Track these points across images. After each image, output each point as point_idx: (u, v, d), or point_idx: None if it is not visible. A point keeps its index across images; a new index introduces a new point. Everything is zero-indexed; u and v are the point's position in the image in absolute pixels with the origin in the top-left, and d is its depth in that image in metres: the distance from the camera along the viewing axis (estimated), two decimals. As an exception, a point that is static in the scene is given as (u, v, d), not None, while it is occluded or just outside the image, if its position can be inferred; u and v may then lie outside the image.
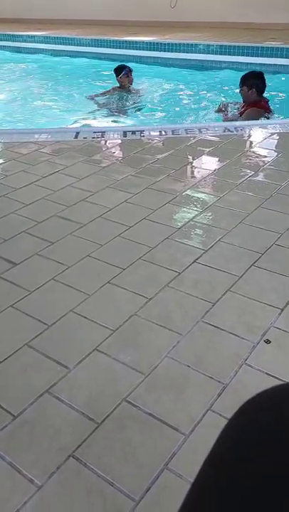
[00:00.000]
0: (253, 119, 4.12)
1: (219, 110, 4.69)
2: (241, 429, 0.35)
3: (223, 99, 5.10)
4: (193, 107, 5.30)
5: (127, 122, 4.74)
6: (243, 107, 4.41)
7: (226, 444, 0.35)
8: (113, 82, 5.57)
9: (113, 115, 4.94)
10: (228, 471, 0.33)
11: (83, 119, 4.86)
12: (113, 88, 5.41)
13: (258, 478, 0.31)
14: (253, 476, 0.31)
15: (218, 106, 4.79)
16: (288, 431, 0.32)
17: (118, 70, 5.28)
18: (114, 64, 5.62)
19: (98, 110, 5.09)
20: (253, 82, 4.34)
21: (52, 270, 2.01)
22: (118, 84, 5.37)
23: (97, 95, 5.43)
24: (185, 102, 5.52)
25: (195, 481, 0.36)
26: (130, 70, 5.27)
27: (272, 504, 0.30)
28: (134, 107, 5.16)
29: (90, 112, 5.09)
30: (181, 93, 5.83)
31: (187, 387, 1.43)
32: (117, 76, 5.29)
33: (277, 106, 4.77)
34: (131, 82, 5.33)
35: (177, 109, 5.27)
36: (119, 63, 5.53)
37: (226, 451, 0.35)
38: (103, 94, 5.40)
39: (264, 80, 4.38)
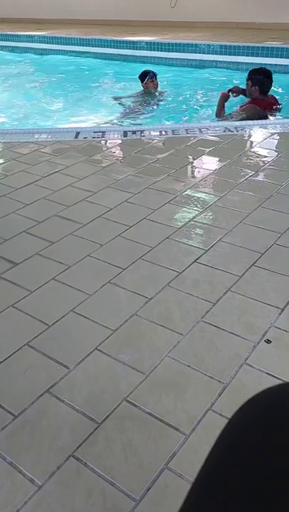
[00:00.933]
0: (248, 117, 4.08)
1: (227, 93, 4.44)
2: (242, 428, 0.35)
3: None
4: (193, 106, 5.30)
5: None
6: (250, 102, 4.35)
7: (227, 443, 0.35)
8: (113, 81, 5.55)
9: (135, 118, 4.90)
10: (229, 470, 0.33)
11: (106, 120, 4.81)
12: (138, 93, 5.38)
13: (259, 478, 0.31)
14: (254, 475, 0.31)
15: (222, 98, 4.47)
16: None
17: (143, 76, 5.27)
18: (115, 64, 5.61)
19: (119, 113, 5.06)
20: (258, 79, 4.26)
21: (52, 270, 2.02)
22: (142, 90, 5.35)
23: (122, 98, 5.40)
24: (185, 101, 5.51)
25: (196, 480, 0.35)
26: (155, 75, 5.27)
27: (274, 504, 0.30)
28: (159, 110, 5.11)
29: (95, 112, 5.06)
30: (181, 93, 5.82)
31: (188, 387, 1.43)
32: (142, 82, 5.28)
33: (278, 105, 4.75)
34: (156, 86, 5.32)
35: (179, 108, 5.26)
36: (120, 63, 5.51)
37: (226, 451, 0.35)
38: (129, 97, 5.37)
39: (271, 80, 4.29)
